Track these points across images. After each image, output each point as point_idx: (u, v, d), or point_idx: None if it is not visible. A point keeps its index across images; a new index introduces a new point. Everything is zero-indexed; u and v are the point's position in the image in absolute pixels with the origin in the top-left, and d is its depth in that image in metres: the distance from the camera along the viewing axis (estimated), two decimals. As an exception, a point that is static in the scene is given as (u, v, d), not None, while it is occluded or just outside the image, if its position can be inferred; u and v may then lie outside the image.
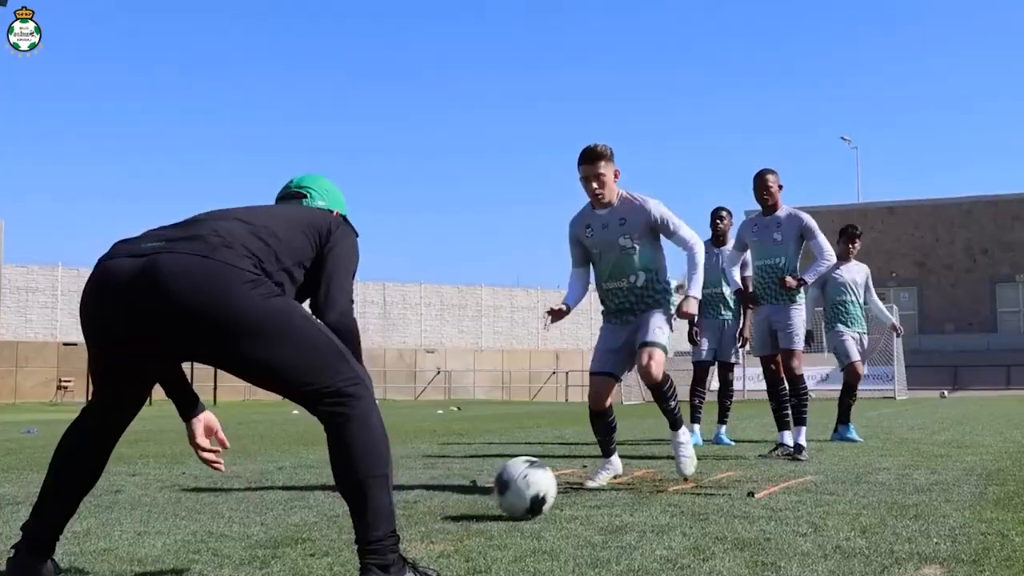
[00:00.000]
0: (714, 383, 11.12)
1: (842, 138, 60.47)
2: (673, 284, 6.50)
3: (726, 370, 10.56)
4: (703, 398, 10.40)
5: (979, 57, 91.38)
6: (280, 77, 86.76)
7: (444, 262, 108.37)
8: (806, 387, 8.51)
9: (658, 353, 6.12)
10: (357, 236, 3.83)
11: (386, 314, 48.73)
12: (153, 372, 3.29)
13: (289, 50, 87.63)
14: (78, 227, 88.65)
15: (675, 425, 6.38)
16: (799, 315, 8.39)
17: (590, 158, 6.16)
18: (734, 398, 10.90)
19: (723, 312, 10.30)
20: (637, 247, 6.20)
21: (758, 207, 8.60)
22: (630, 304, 6.28)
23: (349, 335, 3.30)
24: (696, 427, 10.04)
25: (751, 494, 5.53)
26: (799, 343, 8.35)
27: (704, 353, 10.25)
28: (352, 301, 3.43)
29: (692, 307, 6.23)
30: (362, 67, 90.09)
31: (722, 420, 10.36)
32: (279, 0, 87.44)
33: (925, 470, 6.84)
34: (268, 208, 3.49)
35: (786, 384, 8.50)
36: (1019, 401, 24.36)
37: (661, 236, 6.32)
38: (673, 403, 6.32)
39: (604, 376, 6.33)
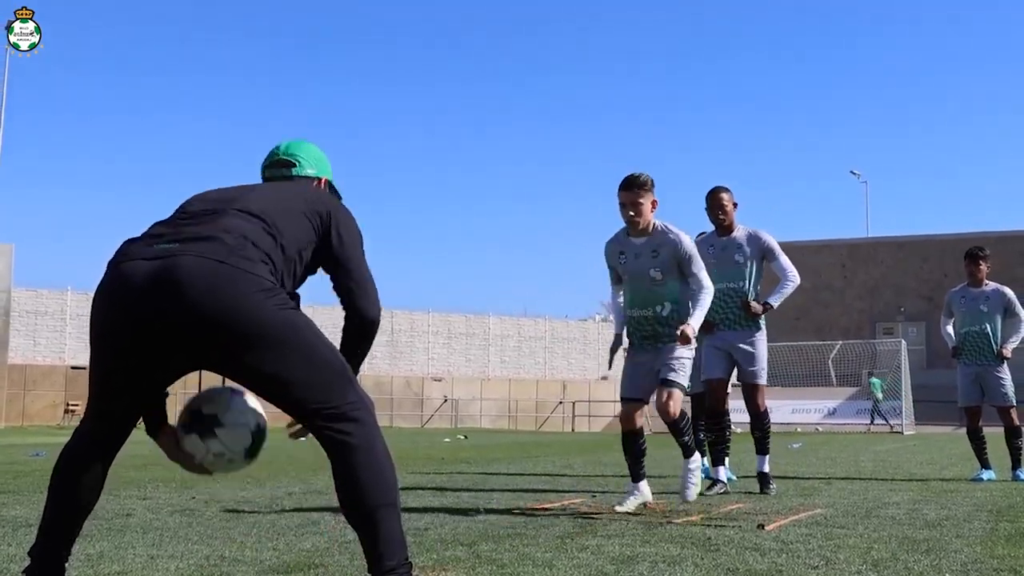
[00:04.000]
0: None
1: (852, 172, 60.50)
2: None
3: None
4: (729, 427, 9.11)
5: (990, 93, 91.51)
6: (289, 96, 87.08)
7: (452, 291, 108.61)
8: (769, 420, 8.31)
9: (676, 393, 6.44)
10: (340, 198, 3.83)
11: (393, 342, 48.66)
12: (151, 385, 3.25)
13: (299, 72, 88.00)
14: (88, 251, 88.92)
15: (687, 453, 6.66)
16: (763, 345, 8.15)
17: (630, 185, 6.39)
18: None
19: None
20: (666, 279, 6.46)
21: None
22: (656, 332, 6.52)
23: (376, 329, 3.44)
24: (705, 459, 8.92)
25: (761, 526, 5.52)
26: (763, 377, 8.09)
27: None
28: (378, 299, 3.47)
29: (689, 332, 6.34)
30: (374, 95, 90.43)
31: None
32: (287, 13, 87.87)
33: (935, 505, 6.84)
34: (268, 193, 3.45)
35: (729, 417, 8.38)
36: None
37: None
38: (687, 437, 6.65)
39: (635, 402, 6.63)
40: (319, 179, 3.76)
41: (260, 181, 3.75)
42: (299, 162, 3.75)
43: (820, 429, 32.60)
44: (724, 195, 8.14)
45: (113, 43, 78.03)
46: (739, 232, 8.15)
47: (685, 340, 6.35)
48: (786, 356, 37.05)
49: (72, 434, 3.33)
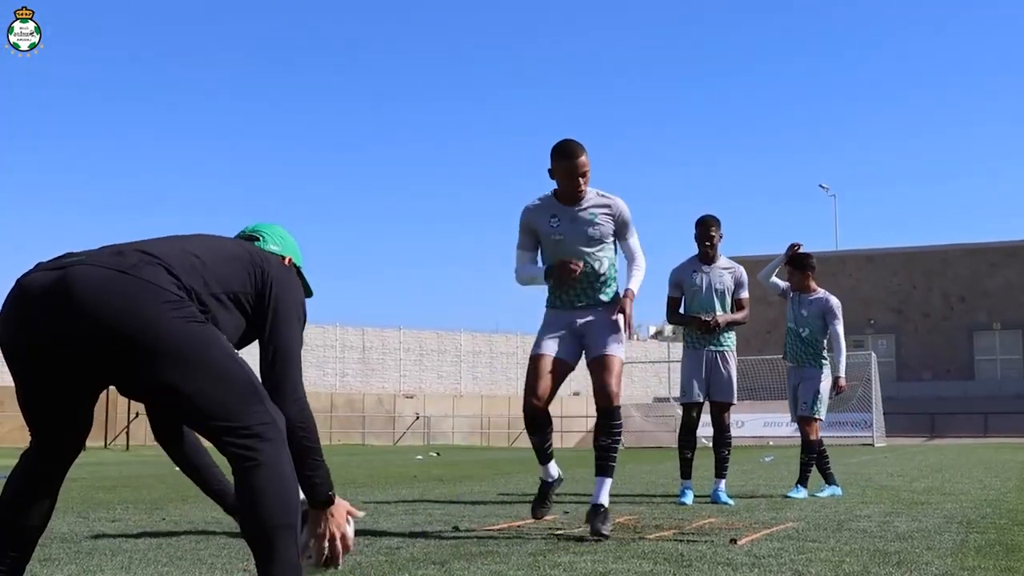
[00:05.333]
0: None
1: (820, 186, 60.87)
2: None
3: (722, 411, 8.76)
4: (694, 447, 8.84)
5: (958, 106, 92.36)
6: (264, 110, 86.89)
7: (423, 308, 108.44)
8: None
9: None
10: (310, 293, 3.79)
11: (365, 359, 48.58)
12: (80, 403, 3.19)
13: (277, 87, 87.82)
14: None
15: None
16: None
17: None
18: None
19: (719, 342, 8.67)
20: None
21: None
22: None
23: (308, 428, 3.27)
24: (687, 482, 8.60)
25: (733, 541, 5.53)
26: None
27: (698, 393, 8.66)
28: (304, 397, 3.34)
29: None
30: (343, 112, 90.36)
31: (720, 474, 8.67)
32: (274, 34, 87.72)
33: (906, 517, 6.86)
34: (208, 238, 3.42)
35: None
36: (997, 449, 24.43)
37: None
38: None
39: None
40: (282, 258, 3.70)
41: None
42: (263, 237, 3.76)
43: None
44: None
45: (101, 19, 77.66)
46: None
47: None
48: (757, 370, 37.19)
49: (21, 456, 3.29)
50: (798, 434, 9.60)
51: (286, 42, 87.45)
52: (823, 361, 9.38)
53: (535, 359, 6.17)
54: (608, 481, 6.02)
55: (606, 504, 5.92)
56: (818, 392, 9.27)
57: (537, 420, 6.20)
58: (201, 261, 3.21)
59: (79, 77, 77.28)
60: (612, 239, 6.19)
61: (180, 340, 2.97)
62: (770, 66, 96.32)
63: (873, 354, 37.74)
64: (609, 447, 6.03)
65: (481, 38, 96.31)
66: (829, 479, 9.51)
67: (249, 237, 3.75)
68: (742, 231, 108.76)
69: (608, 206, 6.12)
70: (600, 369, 6.06)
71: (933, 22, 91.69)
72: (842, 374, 9.37)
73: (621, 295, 6.19)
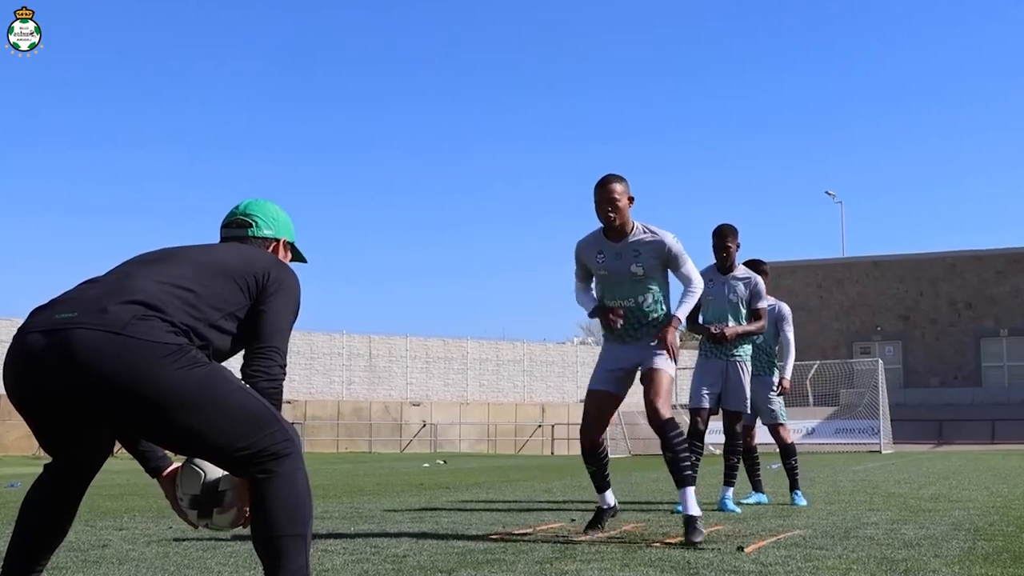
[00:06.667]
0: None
1: (827, 192, 60.75)
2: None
3: (733, 421, 8.82)
4: (700, 453, 8.57)
5: (964, 112, 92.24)
6: (266, 118, 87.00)
7: (430, 315, 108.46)
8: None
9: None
10: (304, 260, 3.81)
11: (372, 367, 48.56)
12: (95, 440, 3.24)
13: (280, 96, 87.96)
14: (68, 273, 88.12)
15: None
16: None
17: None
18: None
19: (734, 352, 8.62)
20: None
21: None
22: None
23: (276, 401, 3.27)
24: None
25: (741, 548, 5.52)
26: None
27: (705, 399, 8.59)
28: (284, 366, 3.33)
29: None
30: (350, 117, 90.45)
31: (729, 482, 8.84)
32: (282, 43, 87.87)
33: (913, 525, 6.85)
34: (198, 255, 3.41)
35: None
36: (1004, 455, 24.37)
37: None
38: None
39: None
40: (276, 240, 3.73)
41: (218, 238, 3.75)
42: (256, 223, 3.71)
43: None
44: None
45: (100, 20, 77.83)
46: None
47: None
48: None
49: (43, 467, 3.33)
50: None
51: (298, 44, 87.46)
52: (774, 368, 9.63)
53: (588, 394, 6.63)
54: (689, 490, 6.10)
55: (695, 514, 5.98)
56: (775, 402, 9.64)
57: (591, 453, 6.62)
58: (195, 294, 3.22)
59: (79, 77, 77.15)
60: (660, 273, 6.38)
61: (185, 389, 3.02)
62: (775, 71, 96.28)
63: (880, 361, 37.67)
64: (674, 460, 6.18)
65: (489, 43, 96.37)
66: (757, 486, 9.55)
67: (241, 221, 3.71)
68: (748, 238, 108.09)
69: (652, 242, 6.31)
70: (647, 384, 6.33)
71: (939, 28, 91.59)
72: (787, 376, 9.61)
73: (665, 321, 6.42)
